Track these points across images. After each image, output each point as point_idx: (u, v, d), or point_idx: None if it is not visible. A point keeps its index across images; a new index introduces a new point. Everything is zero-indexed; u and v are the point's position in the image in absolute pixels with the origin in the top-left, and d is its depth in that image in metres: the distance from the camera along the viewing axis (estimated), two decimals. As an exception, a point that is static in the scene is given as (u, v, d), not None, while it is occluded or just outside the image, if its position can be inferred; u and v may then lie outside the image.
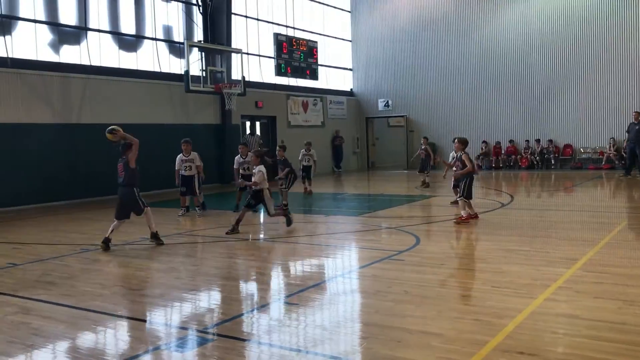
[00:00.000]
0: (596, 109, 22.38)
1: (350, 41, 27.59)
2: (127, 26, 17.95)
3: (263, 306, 5.77)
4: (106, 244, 8.63)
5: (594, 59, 22.26)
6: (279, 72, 22.38)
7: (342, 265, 7.81)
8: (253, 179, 9.95)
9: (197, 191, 12.37)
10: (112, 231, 8.76)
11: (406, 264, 7.29)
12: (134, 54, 18.12)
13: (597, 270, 6.57)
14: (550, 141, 23.17)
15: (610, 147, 21.98)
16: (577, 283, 5.99)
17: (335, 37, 26.68)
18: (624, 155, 20.97)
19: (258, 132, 22.51)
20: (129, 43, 18.08)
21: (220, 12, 19.96)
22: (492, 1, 24.17)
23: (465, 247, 8.64)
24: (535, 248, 7.95)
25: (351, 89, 27.75)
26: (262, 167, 9.89)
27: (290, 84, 23.84)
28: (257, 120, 22.79)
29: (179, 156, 12.40)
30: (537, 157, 23.31)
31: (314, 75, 24.03)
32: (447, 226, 10.18)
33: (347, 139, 26.55)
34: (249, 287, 6.74)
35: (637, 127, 18.61)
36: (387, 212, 12.49)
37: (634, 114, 19.03)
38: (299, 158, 16.12)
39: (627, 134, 19.19)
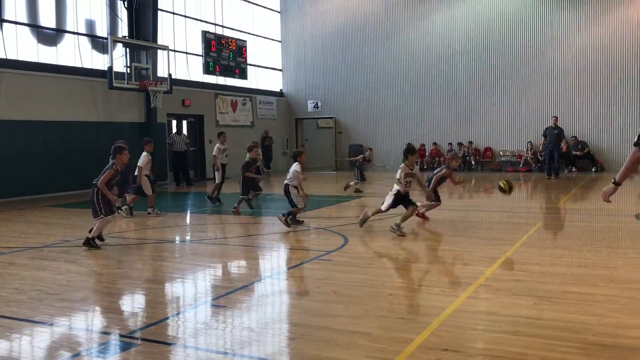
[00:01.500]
0: (515, 114, 23.40)
1: (279, 41, 27.57)
2: (47, 19, 17.17)
3: (189, 309, 5.66)
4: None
5: (514, 66, 23.28)
6: (207, 70, 22.07)
7: (271, 267, 7.78)
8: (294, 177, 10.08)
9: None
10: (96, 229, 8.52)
11: (335, 264, 7.35)
12: (54, 48, 17.36)
13: (515, 268, 6.86)
14: (471, 143, 24.01)
15: (527, 150, 23.04)
16: (496, 281, 6.24)
17: (265, 37, 26.59)
18: (540, 158, 22.09)
19: (185, 131, 22.10)
20: (48, 37, 17.30)
21: (146, 7, 19.46)
22: (420, 7, 24.80)
23: (392, 247, 8.80)
24: (457, 247, 8.21)
25: (281, 90, 27.74)
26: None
27: (219, 82, 23.55)
28: (184, 119, 22.36)
29: (146, 155, 11.93)
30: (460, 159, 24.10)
31: (243, 75, 23.84)
32: (375, 226, 10.34)
33: (277, 140, 26.50)
34: (175, 290, 6.59)
35: (555, 132, 19.61)
36: (316, 212, 12.55)
37: (552, 119, 20.03)
38: (247, 159, 15.75)
39: (543, 137, 20.17)
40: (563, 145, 20.65)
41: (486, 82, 23.79)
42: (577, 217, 11.75)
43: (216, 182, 13.87)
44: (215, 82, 23.38)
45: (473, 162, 23.91)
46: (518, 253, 7.71)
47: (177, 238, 10.10)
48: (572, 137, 22.12)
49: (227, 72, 22.97)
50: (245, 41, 23.97)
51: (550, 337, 4.47)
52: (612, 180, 4.72)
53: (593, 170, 21.65)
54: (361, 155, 16.87)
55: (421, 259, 7.56)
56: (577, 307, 5.22)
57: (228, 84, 23.96)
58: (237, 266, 7.73)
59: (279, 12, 27.46)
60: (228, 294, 6.02)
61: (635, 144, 4.52)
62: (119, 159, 8.65)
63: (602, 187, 17.19)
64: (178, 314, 5.53)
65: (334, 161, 26.52)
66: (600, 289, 5.81)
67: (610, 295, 5.60)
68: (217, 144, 14.06)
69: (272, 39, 27.24)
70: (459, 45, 24.16)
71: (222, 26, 23.85)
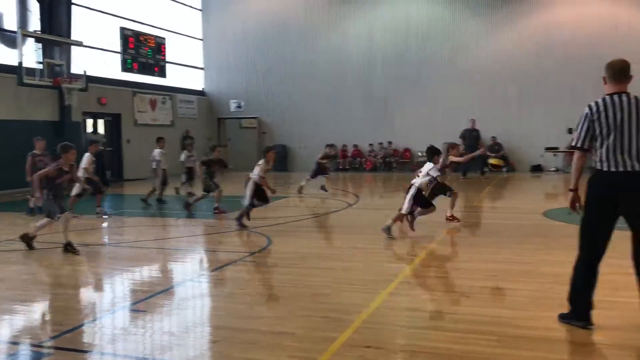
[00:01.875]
0: (432, 116, 24.03)
1: (201, 40, 27.10)
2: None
3: (107, 315, 5.45)
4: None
5: (431, 69, 23.93)
6: (125, 68, 21.35)
7: (193, 269, 7.62)
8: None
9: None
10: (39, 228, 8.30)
11: (258, 265, 7.30)
12: (-44, 40, 16.28)
13: (434, 264, 7.06)
14: (390, 143, 24.53)
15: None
16: (417, 277, 6.40)
17: (186, 35, 26.05)
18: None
19: (101, 130, 21.31)
20: (-51, 28, 16.19)
21: (59, 1, 18.58)
22: (340, 9, 25.06)
23: (315, 247, 8.85)
24: (379, 245, 8.36)
25: (202, 89, 27.27)
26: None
27: (137, 80, 22.84)
28: (100, 118, 21.54)
29: (90, 155, 11.64)
30: (380, 160, 24.58)
31: (162, 73, 23.24)
32: (298, 226, 10.36)
33: (198, 140, 25.99)
34: (92, 296, 6.33)
35: (474, 134, 20.33)
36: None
37: (470, 121, 20.72)
38: (182, 159, 15.39)
39: (460, 139, 20.83)
40: (480, 146, 21.39)
41: (404, 84, 24.31)
42: (491, 215, 12.25)
43: (154, 185, 13.89)
44: (134, 80, 22.65)
45: (394, 164, 24.37)
46: (437, 250, 7.94)
47: (94, 241, 9.69)
48: (492, 137, 23.00)
49: (145, 69, 22.31)
50: (164, 38, 23.38)
51: (469, 331, 4.63)
52: (569, 189, 4.75)
53: (504, 170, 22.63)
54: (319, 155, 15.99)
55: (343, 258, 7.64)
56: (494, 302, 5.43)
57: (147, 82, 23.27)
58: (157, 269, 7.52)
59: (200, 10, 27.00)
60: (148, 298, 5.84)
61: (576, 149, 4.61)
62: (65, 157, 8.18)
63: (514, 185, 17.93)
64: (94, 320, 5.30)
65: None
66: (514, 284, 6.08)
67: (523, 289, 5.86)
68: (158, 149, 13.99)
69: (194, 37, 26.74)
70: (377, 48, 24.60)
71: (141, 23, 23.14)
